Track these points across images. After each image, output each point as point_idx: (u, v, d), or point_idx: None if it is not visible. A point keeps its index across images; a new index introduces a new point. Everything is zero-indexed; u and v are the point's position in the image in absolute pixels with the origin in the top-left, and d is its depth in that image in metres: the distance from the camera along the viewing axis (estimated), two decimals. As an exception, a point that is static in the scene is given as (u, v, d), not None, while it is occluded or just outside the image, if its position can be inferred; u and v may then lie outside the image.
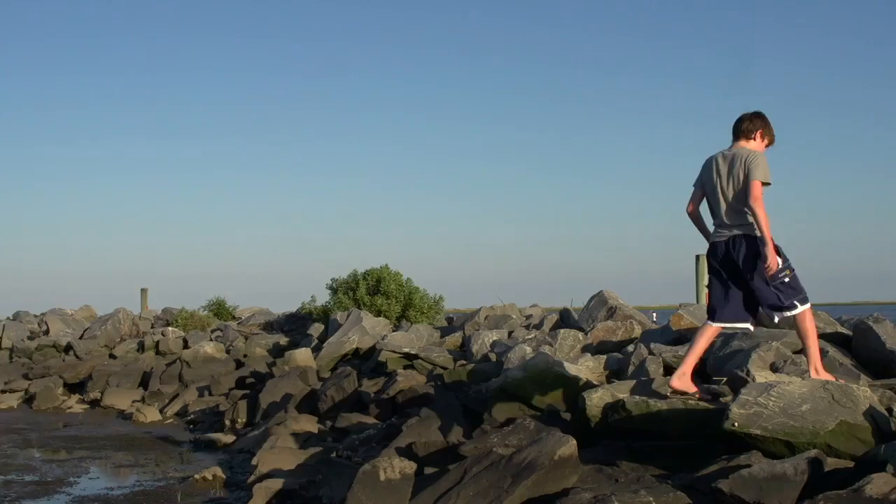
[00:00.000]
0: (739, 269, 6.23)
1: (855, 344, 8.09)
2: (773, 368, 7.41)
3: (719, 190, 6.29)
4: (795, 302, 6.17)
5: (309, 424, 10.41)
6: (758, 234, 6.10)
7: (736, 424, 5.61)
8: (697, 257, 19.81)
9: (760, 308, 6.39)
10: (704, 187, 6.49)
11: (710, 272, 6.55)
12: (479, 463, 5.51)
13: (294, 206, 66.06)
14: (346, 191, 68.09)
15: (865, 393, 5.64)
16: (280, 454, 8.80)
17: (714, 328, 6.47)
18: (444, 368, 11.59)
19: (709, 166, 6.43)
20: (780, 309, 6.18)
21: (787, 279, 6.15)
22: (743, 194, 6.14)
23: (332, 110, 72.19)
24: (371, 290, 17.90)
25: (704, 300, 20.51)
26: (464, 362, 11.69)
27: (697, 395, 6.34)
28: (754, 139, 6.36)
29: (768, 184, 6.18)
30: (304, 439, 9.78)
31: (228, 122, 68.99)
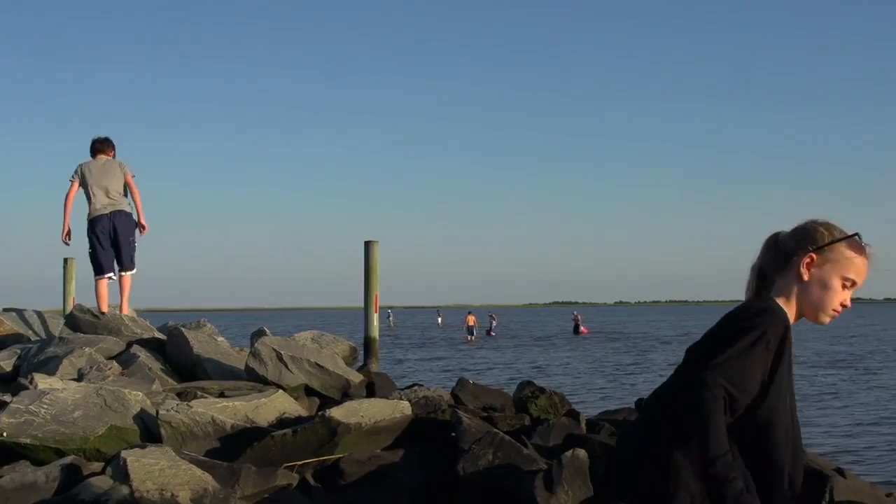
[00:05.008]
0: (116, 235, 9.04)
1: (168, 349, 8.39)
2: (80, 375, 7.38)
3: (104, 182, 9.02)
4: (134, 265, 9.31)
5: None
6: (128, 209, 9.13)
7: (4, 434, 5.44)
8: (66, 260, 19.20)
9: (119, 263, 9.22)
10: (86, 181, 9.03)
11: (94, 239, 9.11)
12: None
13: None
14: None
15: (137, 397, 5.86)
16: None
17: (104, 280, 9.21)
18: None
19: (96, 168, 9.09)
20: (131, 266, 9.24)
21: (136, 246, 9.27)
22: (121, 185, 9.08)
23: None
24: None
25: (71, 305, 19.91)
26: None
27: None
28: (109, 153, 9.35)
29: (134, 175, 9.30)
30: None
31: None
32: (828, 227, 2.40)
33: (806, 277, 2.37)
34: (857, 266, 2.39)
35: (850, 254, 2.37)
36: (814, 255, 2.37)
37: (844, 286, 2.38)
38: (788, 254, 2.40)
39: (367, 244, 15.34)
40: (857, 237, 2.40)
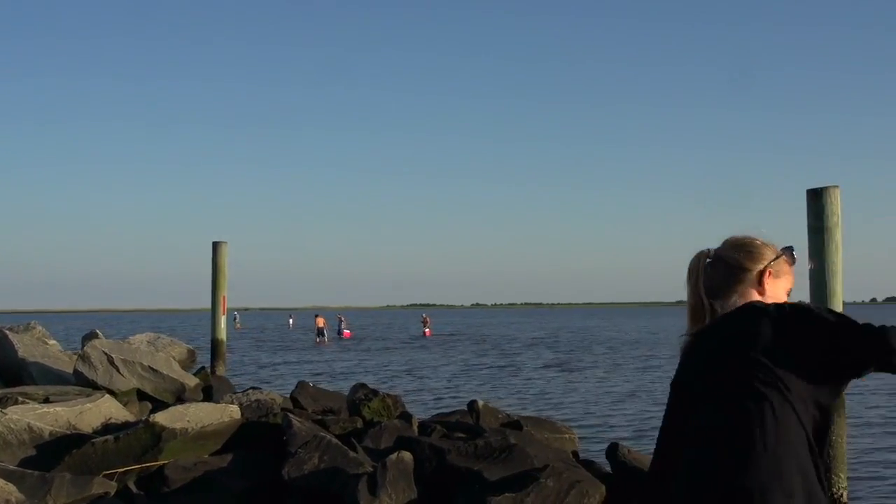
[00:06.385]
0: None
1: (-9, 352, 8.04)
2: None
3: None
4: None
5: None
6: None
7: None
8: None
9: None
10: None
11: None
12: None
13: None
14: None
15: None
16: None
17: None
18: None
19: None
20: None
21: None
22: None
23: None
24: None
25: None
26: None
27: None
28: None
29: None
30: None
31: None
32: (765, 243, 2.51)
33: (766, 292, 2.46)
34: (792, 277, 2.54)
35: (788, 268, 2.52)
36: (770, 271, 2.47)
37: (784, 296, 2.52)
38: (742, 269, 2.47)
39: (216, 245, 15.03)
40: (792, 249, 2.55)
